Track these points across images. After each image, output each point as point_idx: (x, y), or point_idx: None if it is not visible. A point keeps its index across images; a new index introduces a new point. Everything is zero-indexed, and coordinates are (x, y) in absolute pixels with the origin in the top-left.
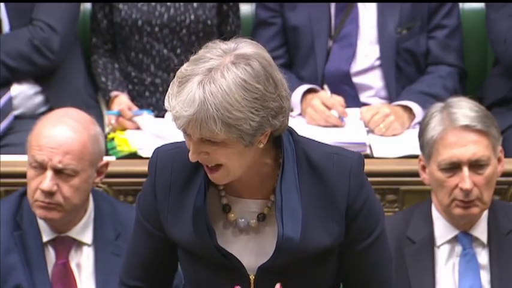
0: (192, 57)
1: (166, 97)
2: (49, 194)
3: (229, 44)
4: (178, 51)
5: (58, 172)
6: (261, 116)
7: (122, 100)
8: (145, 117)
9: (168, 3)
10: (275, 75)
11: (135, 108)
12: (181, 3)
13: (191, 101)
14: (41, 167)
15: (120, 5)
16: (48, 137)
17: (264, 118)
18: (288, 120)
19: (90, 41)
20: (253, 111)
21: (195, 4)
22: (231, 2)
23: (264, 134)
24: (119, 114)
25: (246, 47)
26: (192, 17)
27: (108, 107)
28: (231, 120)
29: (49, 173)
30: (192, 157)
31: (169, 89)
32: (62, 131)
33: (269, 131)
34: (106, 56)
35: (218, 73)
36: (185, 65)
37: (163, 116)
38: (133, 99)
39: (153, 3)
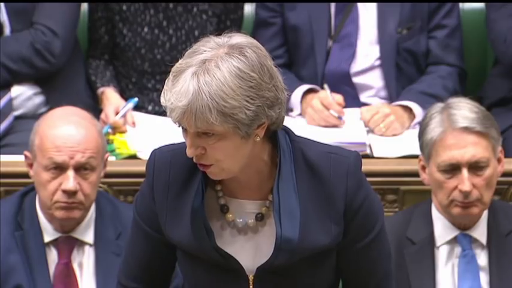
0: (187, 52)
1: (162, 93)
2: (73, 193)
3: (223, 38)
4: None
5: (77, 170)
6: (257, 105)
7: (108, 96)
8: (142, 116)
9: (170, 32)
10: (270, 65)
11: (122, 104)
12: (183, 32)
13: (185, 92)
14: (60, 168)
15: (124, 31)
16: (64, 137)
17: (259, 107)
18: (284, 112)
19: (88, 51)
20: (249, 99)
21: (196, 33)
22: (231, 25)
23: (261, 126)
24: (111, 128)
25: (239, 38)
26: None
27: (99, 105)
28: (226, 109)
29: (71, 173)
30: (189, 152)
31: (164, 86)
32: (75, 129)
33: (266, 124)
34: (101, 60)
35: (212, 63)
36: (180, 60)
37: (162, 112)
38: (133, 96)
39: (156, 32)
